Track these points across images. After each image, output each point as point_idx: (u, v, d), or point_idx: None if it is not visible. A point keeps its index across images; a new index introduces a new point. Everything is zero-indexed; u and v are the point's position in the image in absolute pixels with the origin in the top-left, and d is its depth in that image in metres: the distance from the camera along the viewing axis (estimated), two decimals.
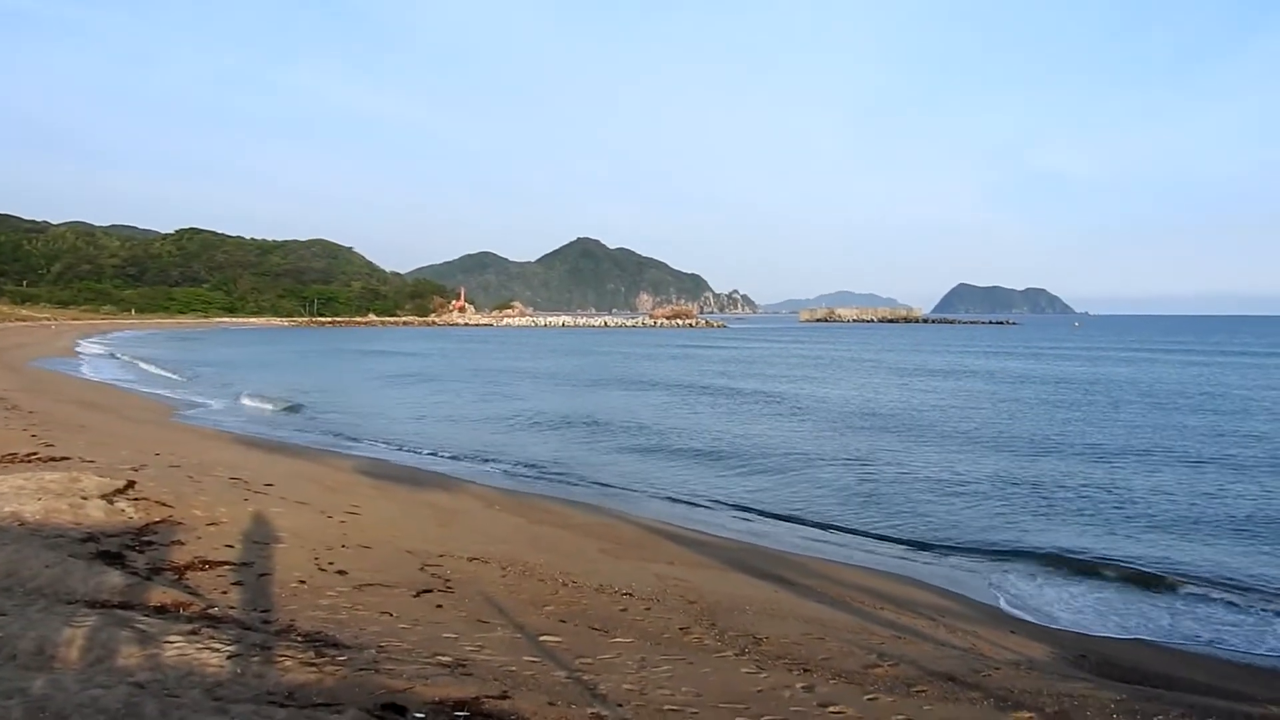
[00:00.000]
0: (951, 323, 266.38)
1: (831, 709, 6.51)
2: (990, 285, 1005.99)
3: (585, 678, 6.64)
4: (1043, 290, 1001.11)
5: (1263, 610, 12.24)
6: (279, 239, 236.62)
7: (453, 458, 23.88)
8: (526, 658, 7.04)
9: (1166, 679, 9.38)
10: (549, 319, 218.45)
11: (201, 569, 8.78)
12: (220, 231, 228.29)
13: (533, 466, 22.86)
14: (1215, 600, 12.67)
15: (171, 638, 5.96)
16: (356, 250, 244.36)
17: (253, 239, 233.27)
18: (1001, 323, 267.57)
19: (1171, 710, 7.32)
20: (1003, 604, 12.49)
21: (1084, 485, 20.42)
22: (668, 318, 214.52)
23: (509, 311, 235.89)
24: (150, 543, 9.54)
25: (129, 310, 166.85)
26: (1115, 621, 11.89)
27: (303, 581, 8.86)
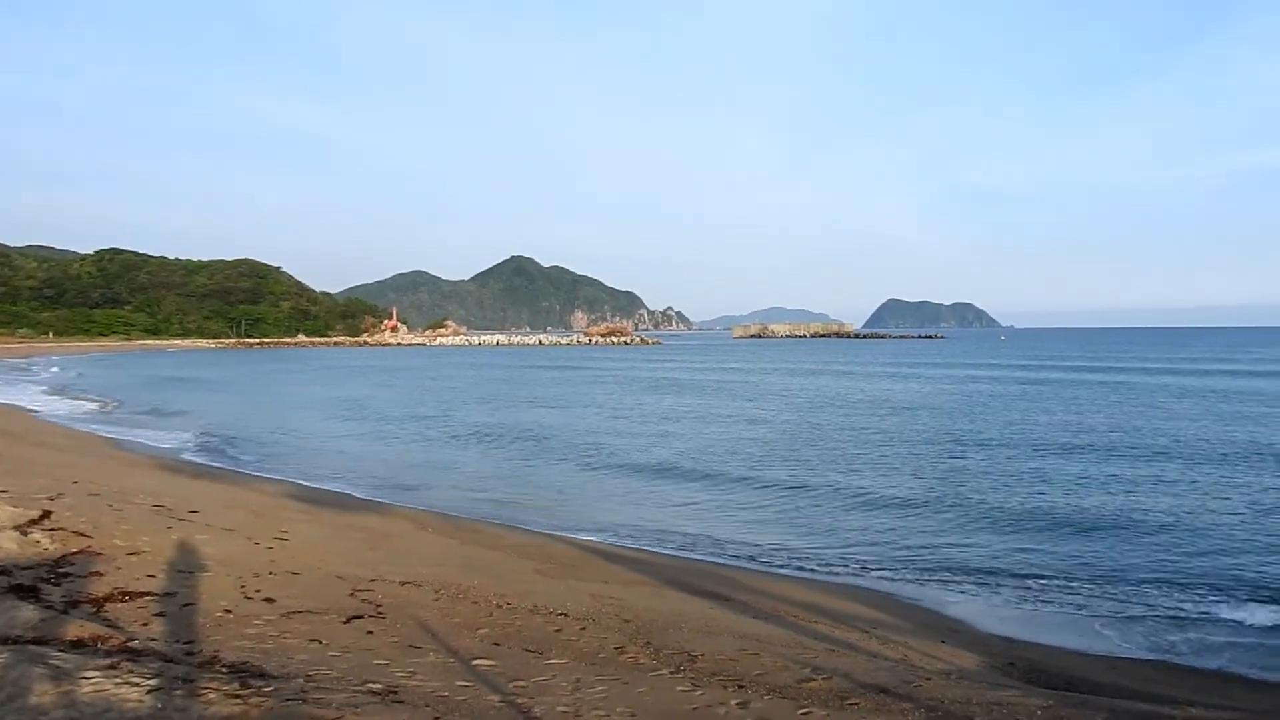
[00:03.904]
0: (882, 337, 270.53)
1: None
2: (919, 300, 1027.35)
3: (519, 701, 6.56)
4: (970, 305, 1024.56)
5: (1179, 614, 12.60)
6: (204, 259, 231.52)
7: (381, 481, 23.53)
8: (459, 682, 6.95)
9: (1092, 684, 9.62)
10: (483, 338, 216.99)
11: (122, 600, 8.49)
12: (143, 252, 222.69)
13: (467, 489, 22.65)
14: (1137, 605, 13.02)
15: (88, 673, 5.75)
16: (285, 270, 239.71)
17: (177, 259, 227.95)
18: (930, 336, 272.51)
19: (1095, 715, 7.50)
20: (933, 615, 12.68)
21: (1007, 496, 20.87)
22: (603, 335, 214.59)
23: (442, 331, 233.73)
24: (67, 574, 9.20)
25: (46, 333, 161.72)
26: (1043, 629, 12.14)
27: (228, 611, 8.63)
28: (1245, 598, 13.15)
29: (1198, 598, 13.20)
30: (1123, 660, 10.96)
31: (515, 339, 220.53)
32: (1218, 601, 13.02)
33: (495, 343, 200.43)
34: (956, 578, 14.58)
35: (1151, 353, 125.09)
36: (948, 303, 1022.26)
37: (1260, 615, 12.43)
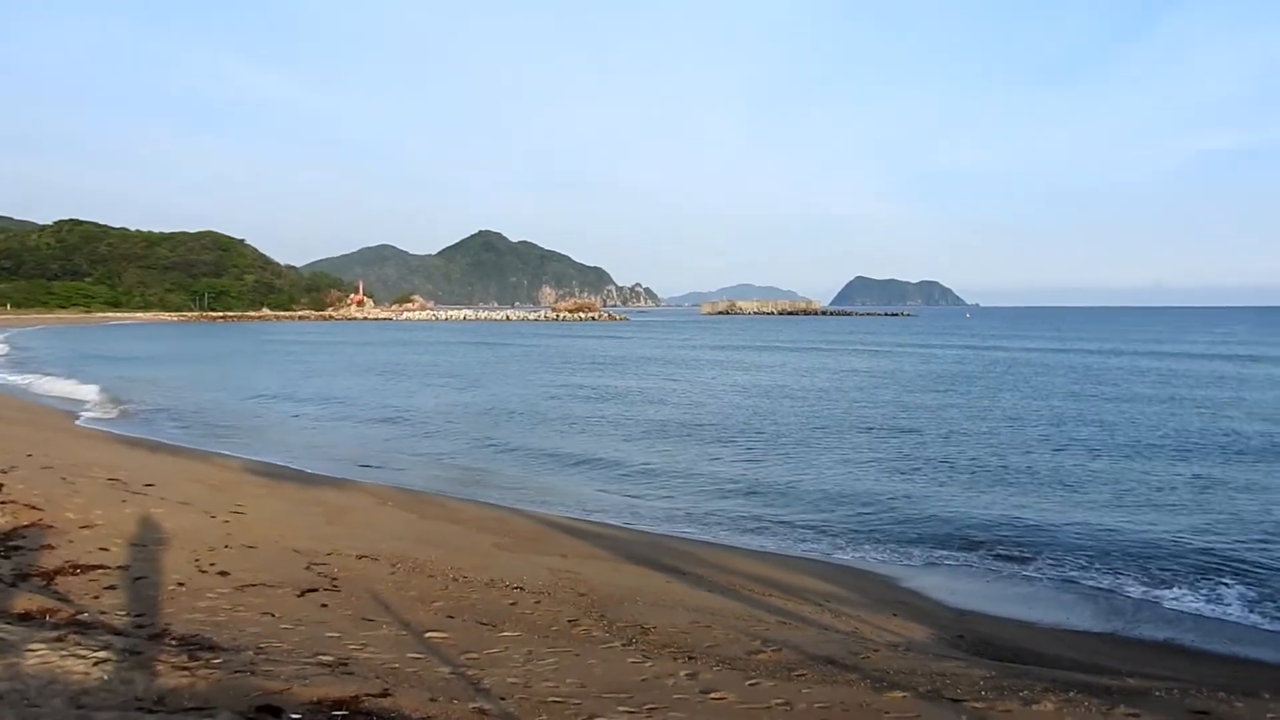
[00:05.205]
0: (849, 315, 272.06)
1: (713, 695, 6.65)
2: (887, 278, 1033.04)
3: (470, 673, 6.63)
4: (936, 283, 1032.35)
5: (1129, 587, 12.89)
6: (167, 231, 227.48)
7: (342, 456, 23.45)
8: (411, 655, 7.00)
9: (1035, 655, 9.84)
10: (450, 313, 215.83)
11: (73, 574, 8.45)
12: (103, 223, 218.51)
13: (428, 463, 22.65)
14: (1087, 579, 13.29)
15: (34, 645, 5.74)
16: (249, 243, 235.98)
17: (138, 231, 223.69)
18: (897, 314, 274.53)
19: (1037, 685, 7.67)
20: (887, 587, 12.89)
21: (965, 470, 21.20)
22: (570, 311, 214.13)
23: (409, 305, 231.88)
24: (17, 548, 9.15)
25: (4, 305, 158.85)
26: (994, 601, 12.38)
27: (181, 584, 8.62)
28: (1192, 572, 13.46)
29: (1147, 572, 13.48)
30: (1070, 632, 11.21)
31: (483, 314, 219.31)
32: (1166, 575, 13.31)
33: (462, 318, 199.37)
34: (911, 551, 14.82)
35: (1110, 332, 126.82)
36: (914, 281, 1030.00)
37: (1205, 588, 12.75)
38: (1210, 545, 14.81)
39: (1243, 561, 13.91)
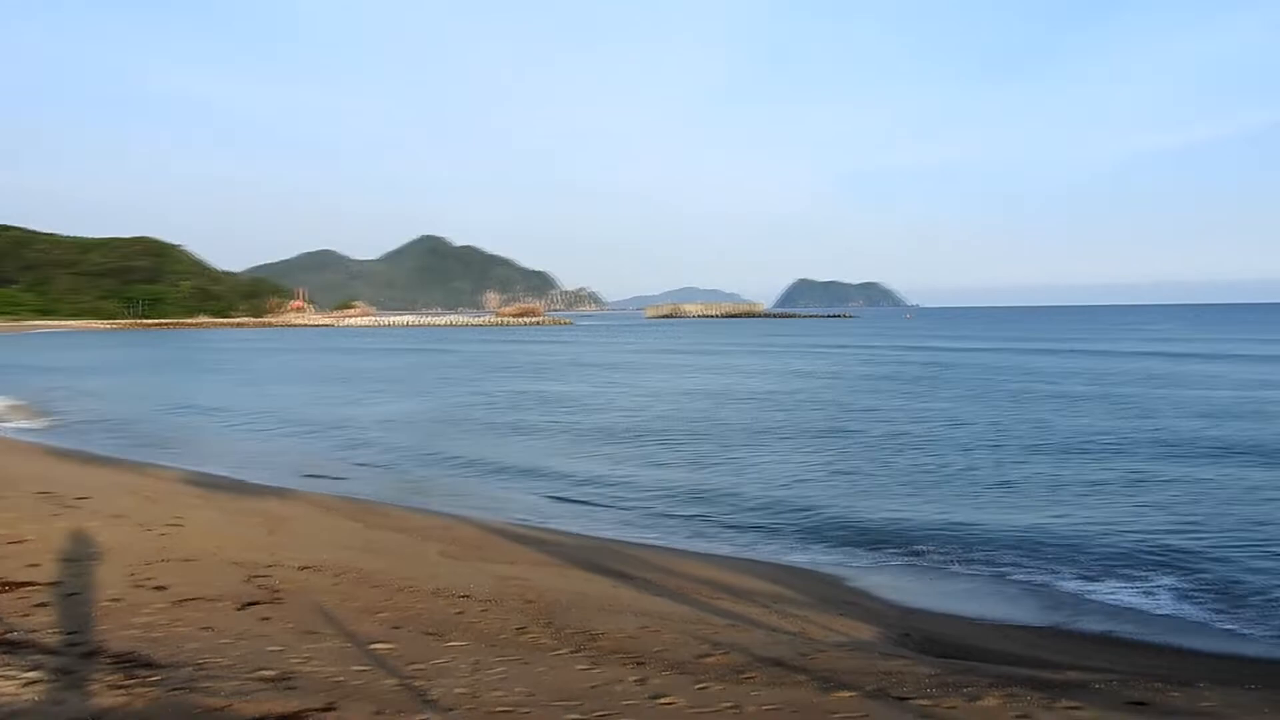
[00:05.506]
0: (792, 317, 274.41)
1: (662, 700, 6.64)
2: (829, 280, 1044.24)
3: (416, 684, 6.55)
4: (877, 284, 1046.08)
5: (1068, 581, 13.16)
6: (100, 236, 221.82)
7: (282, 465, 23.06)
8: (356, 667, 6.89)
9: (979, 650, 9.99)
10: (393, 318, 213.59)
11: (2, 591, 8.20)
12: (32, 228, 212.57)
13: (371, 472, 22.37)
14: (1028, 574, 13.54)
15: None
16: (185, 248, 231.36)
17: (70, 236, 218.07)
18: (839, 316, 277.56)
19: (981, 681, 7.79)
20: (834, 587, 13.00)
21: (903, 468, 21.51)
22: (515, 316, 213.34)
23: (351, 311, 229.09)
24: None
25: None
26: (938, 598, 12.55)
27: (116, 600, 8.39)
28: (1126, 565, 13.79)
29: (1083, 566, 13.78)
30: (1012, 627, 11.40)
31: (426, 319, 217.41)
32: (1101, 569, 13.62)
33: (406, 323, 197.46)
34: (856, 551, 14.98)
35: (1046, 331, 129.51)
36: (856, 282, 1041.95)
37: (1139, 581, 13.07)
38: (1143, 539, 15.19)
39: (1173, 554, 14.30)
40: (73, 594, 8.42)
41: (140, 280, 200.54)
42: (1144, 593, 12.64)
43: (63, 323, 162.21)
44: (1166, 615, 11.81)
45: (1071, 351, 75.88)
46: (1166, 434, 26.63)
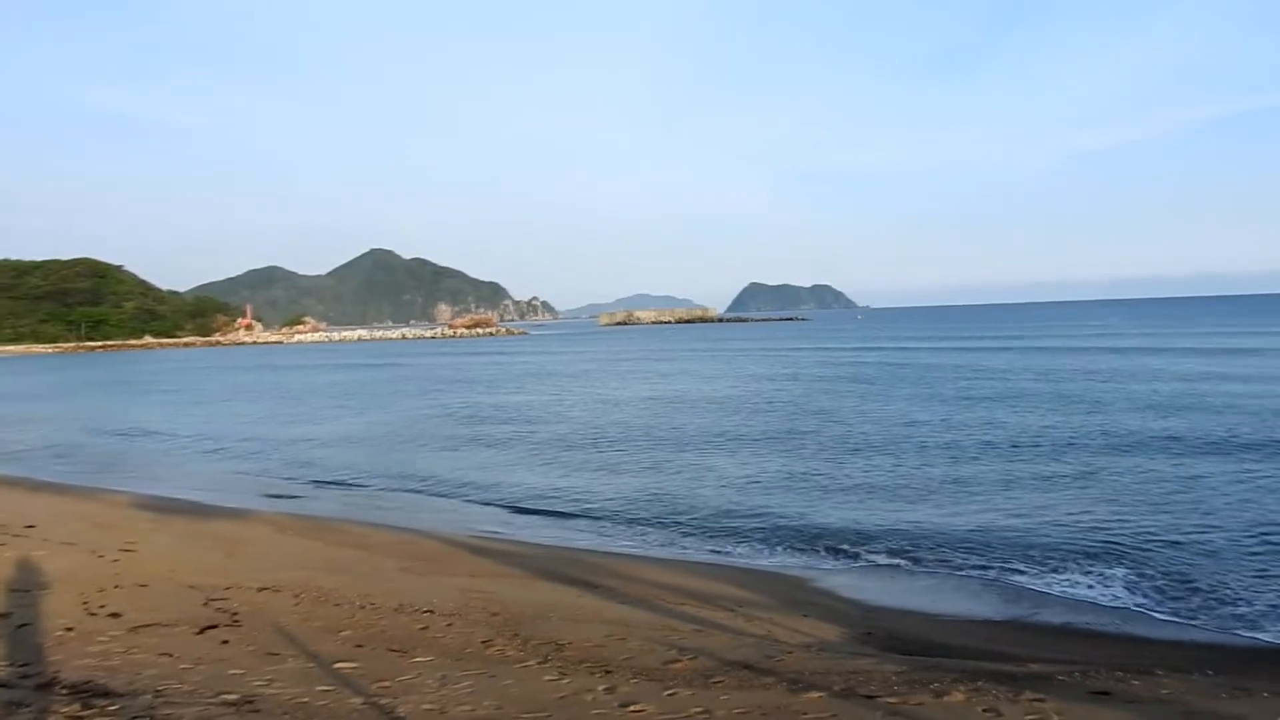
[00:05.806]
0: (746, 320, 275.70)
1: (632, 708, 6.63)
2: (780, 283, 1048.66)
3: (383, 702, 6.47)
4: (828, 286, 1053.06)
5: (1027, 576, 13.36)
6: (37, 259, 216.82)
7: (237, 487, 22.70)
8: (320, 687, 6.79)
9: (943, 646, 10.09)
10: (344, 334, 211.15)
11: None
12: None
13: (329, 489, 22.11)
14: (988, 569, 13.72)
15: None
16: (128, 268, 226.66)
17: (6, 259, 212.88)
18: (792, 319, 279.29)
19: (946, 677, 7.87)
20: (797, 588, 13.06)
21: (861, 468, 21.71)
22: (467, 327, 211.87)
23: (300, 328, 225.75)
24: None
25: None
26: (900, 595, 12.66)
27: (70, 629, 8.20)
28: (1081, 557, 14.03)
29: (1040, 560, 13.99)
30: (974, 622, 11.53)
31: (378, 334, 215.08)
32: (1057, 562, 13.84)
33: (357, 338, 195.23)
34: (819, 552, 15.08)
35: (995, 329, 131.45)
36: (807, 285, 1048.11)
37: (1094, 573, 13.31)
38: (1094, 531, 15.48)
39: (1125, 545, 14.58)
40: (23, 625, 8.21)
41: (81, 303, 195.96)
42: (1099, 584, 12.87)
43: (2, 348, 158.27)
44: (1121, 606, 12.03)
45: (1016, 349, 77.04)
46: (1114, 427, 27.13)
